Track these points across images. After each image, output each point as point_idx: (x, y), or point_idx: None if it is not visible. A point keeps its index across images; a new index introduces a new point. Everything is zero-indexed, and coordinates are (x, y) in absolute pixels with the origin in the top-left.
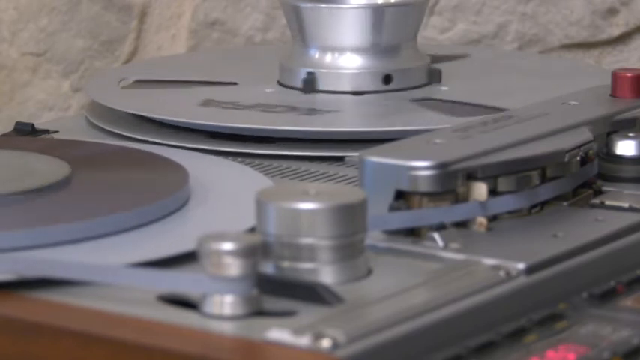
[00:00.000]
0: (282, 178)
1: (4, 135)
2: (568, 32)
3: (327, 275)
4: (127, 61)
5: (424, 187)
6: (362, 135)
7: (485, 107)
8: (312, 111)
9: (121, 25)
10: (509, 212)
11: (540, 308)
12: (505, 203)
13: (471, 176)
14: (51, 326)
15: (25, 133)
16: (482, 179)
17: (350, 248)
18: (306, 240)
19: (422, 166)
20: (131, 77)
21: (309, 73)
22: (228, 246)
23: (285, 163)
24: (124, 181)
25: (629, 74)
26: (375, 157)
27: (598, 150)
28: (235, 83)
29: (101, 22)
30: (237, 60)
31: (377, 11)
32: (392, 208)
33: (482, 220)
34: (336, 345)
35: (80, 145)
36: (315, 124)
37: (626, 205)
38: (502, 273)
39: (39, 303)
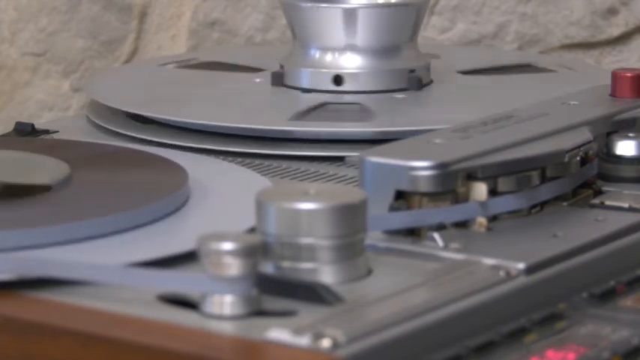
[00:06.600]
0: (282, 178)
1: (4, 135)
2: (568, 32)
3: (327, 275)
4: (127, 61)
5: (424, 187)
6: (362, 135)
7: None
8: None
9: (121, 25)
10: (509, 212)
11: (540, 308)
12: (505, 203)
13: (471, 176)
14: (51, 326)
15: (25, 133)
16: (482, 179)
17: (350, 248)
18: (306, 240)
19: (422, 166)
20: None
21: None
22: (228, 246)
23: (285, 163)
24: (123, 181)
25: (629, 74)
26: (375, 157)
27: (598, 150)
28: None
29: (101, 22)
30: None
31: (377, 11)
32: (392, 208)
33: (482, 220)
34: (336, 345)
35: (80, 145)
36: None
37: (626, 205)
38: (502, 273)
39: (39, 303)
